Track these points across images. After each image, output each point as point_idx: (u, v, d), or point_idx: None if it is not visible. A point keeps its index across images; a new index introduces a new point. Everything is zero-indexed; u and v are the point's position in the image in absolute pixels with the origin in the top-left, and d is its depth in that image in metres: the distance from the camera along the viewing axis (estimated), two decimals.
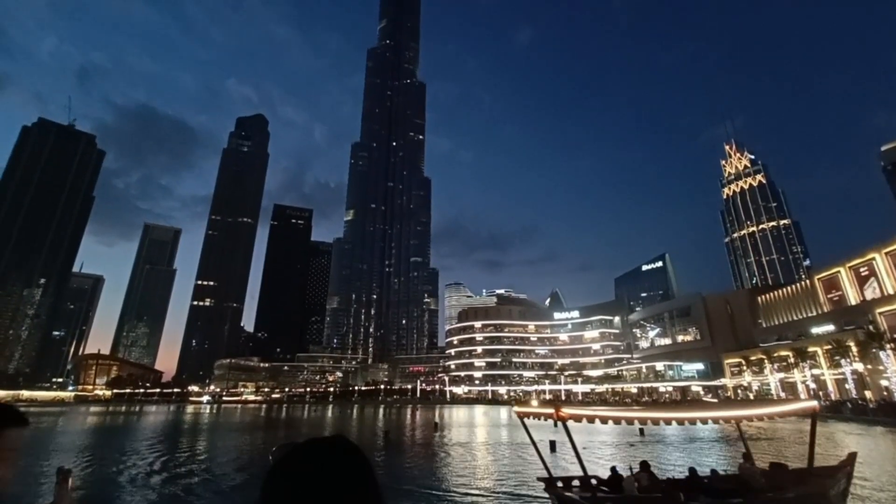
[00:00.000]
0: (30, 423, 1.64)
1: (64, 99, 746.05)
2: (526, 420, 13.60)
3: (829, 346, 76.77)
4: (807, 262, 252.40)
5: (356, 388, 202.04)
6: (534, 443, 14.07)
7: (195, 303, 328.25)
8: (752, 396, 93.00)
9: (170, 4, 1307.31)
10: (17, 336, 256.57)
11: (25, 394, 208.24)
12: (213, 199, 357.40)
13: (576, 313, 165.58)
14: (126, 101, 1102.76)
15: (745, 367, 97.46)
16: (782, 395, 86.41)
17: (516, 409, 14.14)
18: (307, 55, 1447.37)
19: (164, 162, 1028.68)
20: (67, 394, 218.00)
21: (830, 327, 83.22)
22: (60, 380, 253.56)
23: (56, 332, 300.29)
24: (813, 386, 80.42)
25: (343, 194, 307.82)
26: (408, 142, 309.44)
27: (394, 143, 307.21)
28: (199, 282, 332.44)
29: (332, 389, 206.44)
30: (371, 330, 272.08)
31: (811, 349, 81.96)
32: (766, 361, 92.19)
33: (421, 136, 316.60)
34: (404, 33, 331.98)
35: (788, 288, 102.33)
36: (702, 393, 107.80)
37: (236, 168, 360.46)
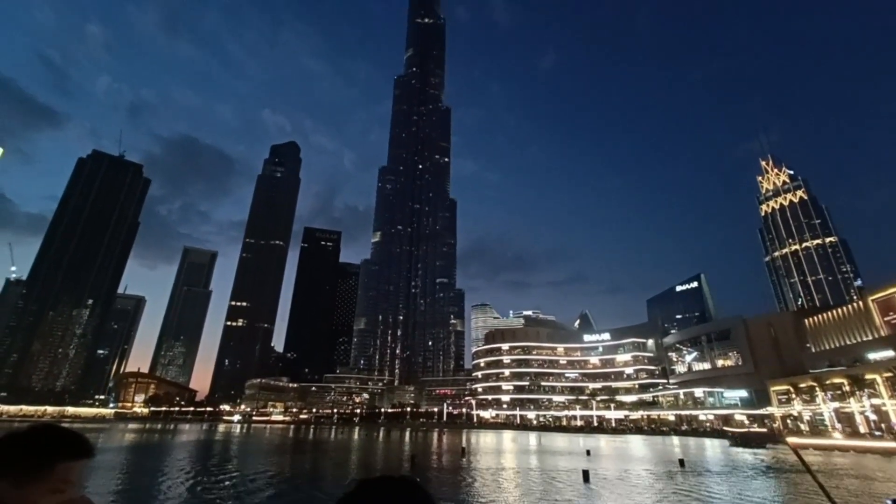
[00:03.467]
0: (95, 454, 1.52)
1: (116, 133, 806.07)
2: (802, 452, 12.74)
3: (890, 374, 70.81)
4: (858, 282, 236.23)
5: (382, 410, 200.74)
6: (819, 482, 12.92)
7: (228, 323, 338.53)
8: (804, 427, 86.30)
9: (212, 44, 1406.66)
10: (66, 354, 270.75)
11: (70, 410, 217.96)
12: (248, 223, 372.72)
13: (606, 335, 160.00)
14: (171, 134, 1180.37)
15: (793, 396, 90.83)
16: (838, 426, 79.79)
17: (792, 440, 12.63)
18: (338, 85, 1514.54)
19: (203, 189, 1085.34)
20: (108, 411, 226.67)
21: (889, 353, 76.89)
22: (102, 397, 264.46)
23: (100, 351, 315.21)
24: (873, 417, 73.94)
25: (371, 217, 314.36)
26: (433, 165, 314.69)
27: (420, 167, 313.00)
28: (233, 303, 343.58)
29: (358, 411, 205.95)
30: (397, 351, 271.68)
31: (869, 377, 75.75)
32: (817, 389, 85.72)
33: (447, 159, 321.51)
34: (430, 61, 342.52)
35: (839, 310, 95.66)
36: (746, 422, 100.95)
37: (270, 193, 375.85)
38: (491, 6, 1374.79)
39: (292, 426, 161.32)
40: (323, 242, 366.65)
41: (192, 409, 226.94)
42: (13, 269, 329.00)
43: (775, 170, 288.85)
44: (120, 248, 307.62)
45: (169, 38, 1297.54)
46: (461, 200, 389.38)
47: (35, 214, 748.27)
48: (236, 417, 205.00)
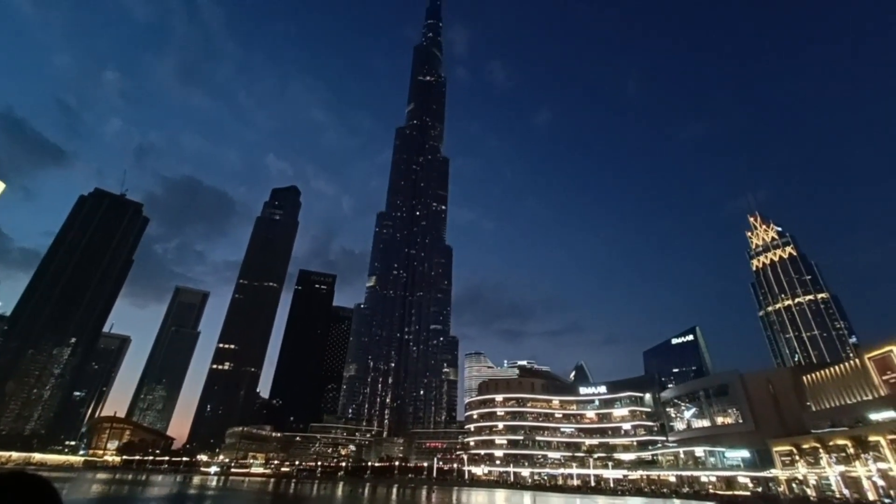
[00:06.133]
0: None
1: (121, 173, 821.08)
2: None
3: (894, 436, 68.96)
4: (853, 339, 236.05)
5: (369, 463, 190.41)
6: None
7: (214, 366, 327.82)
8: (810, 493, 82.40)
9: (224, 93, 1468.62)
10: (40, 396, 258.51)
11: (37, 457, 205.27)
12: (243, 264, 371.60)
13: (603, 388, 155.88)
14: (174, 175, 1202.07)
15: (797, 457, 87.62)
16: (845, 492, 76.31)
17: None
18: (342, 134, 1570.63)
19: (201, 229, 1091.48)
20: (77, 458, 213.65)
21: (891, 413, 75.37)
22: (73, 443, 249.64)
23: (77, 393, 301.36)
24: (882, 483, 71.01)
25: (366, 262, 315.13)
26: (430, 212, 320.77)
27: (417, 213, 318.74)
28: (221, 345, 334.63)
29: (343, 464, 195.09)
30: (388, 400, 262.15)
31: (872, 438, 73.71)
32: (821, 451, 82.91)
33: (443, 207, 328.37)
34: (430, 115, 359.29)
35: (837, 367, 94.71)
36: (750, 485, 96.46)
37: (267, 235, 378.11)
38: (489, 68, 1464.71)
39: (272, 479, 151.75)
40: (317, 285, 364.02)
41: (167, 458, 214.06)
42: None
43: (763, 226, 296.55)
44: (111, 286, 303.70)
45: (183, 86, 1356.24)
46: (457, 248, 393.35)
47: (30, 250, 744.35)
48: (213, 469, 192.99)
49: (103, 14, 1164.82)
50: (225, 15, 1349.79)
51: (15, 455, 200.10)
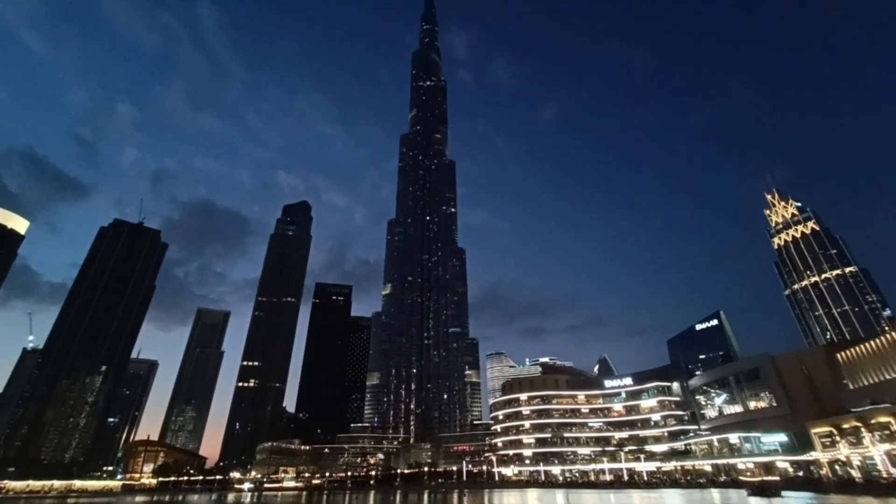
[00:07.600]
0: None
1: (139, 201, 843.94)
2: None
3: None
4: (887, 312, 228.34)
5: (399, 471, 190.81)
6: None
7: (240, 384, 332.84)
8: (855, 474, 79.47)
9: (233, 115, 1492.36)
10: (76, 424, 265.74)
11: (77, 483, 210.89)
12: (260, 281, 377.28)
13: (629, 380, 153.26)
14: (190, 199, 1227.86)
15: (838, 438, 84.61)
16: (893, 470, 73.38)
17: None
18: (349, 146, 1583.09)
19: (219, 250, 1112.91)
20: (115, 483, 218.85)
21: None
22: (110, 468, 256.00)
23: (111, 419, 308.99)
24: None
25: (382, 270, 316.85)
26: (441, 216, 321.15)
27: (427, 218, 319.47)
28: (245, 363, 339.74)
29: (373, 473, 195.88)
30: (412, 406, 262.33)
31: None
32: (863, 430, 79.94)
33: (453, 210, 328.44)
34: (433, 119, 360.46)
35: (872, 343, 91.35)
36: (790, 470, 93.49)
37: (282, 252, 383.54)
38: (490, 67, 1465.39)
39: (305, 492, 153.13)
40: (334, 297, 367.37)
41: (201, 477, 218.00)
42: (31, 338, 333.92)
43: (782, 202, 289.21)
44: (135, 313, 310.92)
45: (193, 111, 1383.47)
46: (471, 250, 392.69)
47: (57, 283, 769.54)
48: (247, 485, 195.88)
49: (112, 48, 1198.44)
50: (228, 38, 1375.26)
51: (57, 483, 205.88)
